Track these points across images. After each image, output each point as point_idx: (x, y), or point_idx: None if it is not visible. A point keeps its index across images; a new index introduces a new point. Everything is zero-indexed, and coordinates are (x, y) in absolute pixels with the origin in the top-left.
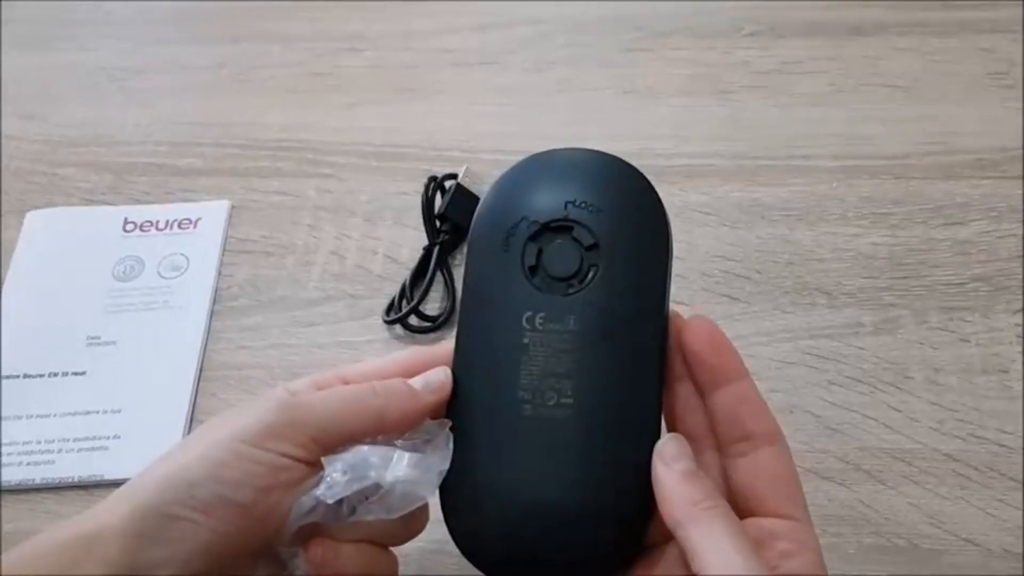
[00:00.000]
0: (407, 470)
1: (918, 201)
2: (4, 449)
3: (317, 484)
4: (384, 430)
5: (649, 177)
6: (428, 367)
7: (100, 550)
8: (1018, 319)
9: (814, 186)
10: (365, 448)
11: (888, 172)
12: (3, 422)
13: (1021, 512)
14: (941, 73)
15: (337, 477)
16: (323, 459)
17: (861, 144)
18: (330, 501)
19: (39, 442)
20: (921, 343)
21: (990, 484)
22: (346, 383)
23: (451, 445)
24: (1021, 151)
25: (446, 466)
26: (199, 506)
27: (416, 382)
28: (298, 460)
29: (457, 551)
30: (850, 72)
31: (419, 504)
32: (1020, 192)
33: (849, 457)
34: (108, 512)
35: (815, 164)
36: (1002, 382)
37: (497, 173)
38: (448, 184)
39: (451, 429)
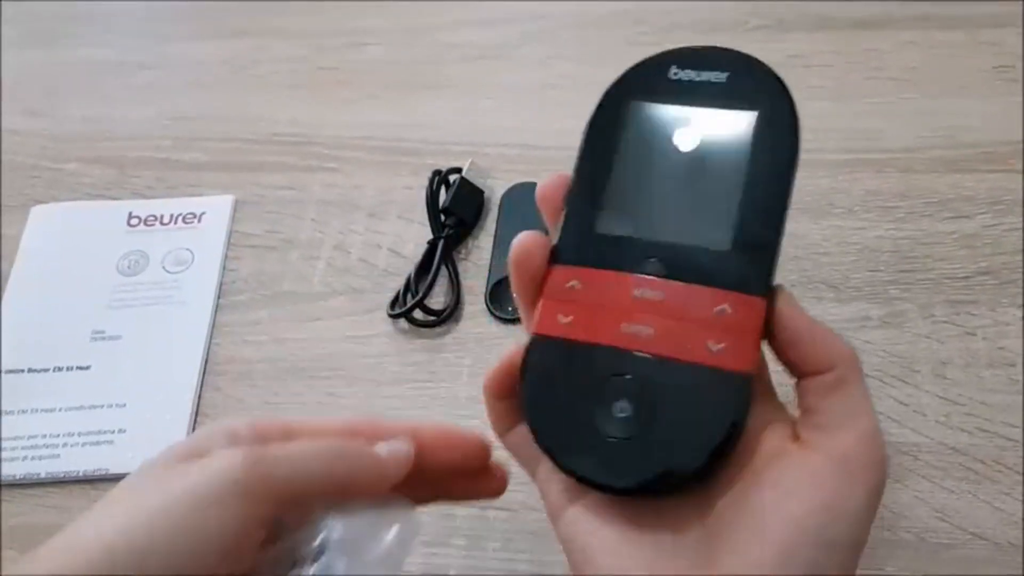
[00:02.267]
0: (385, 549)
1: (924, 195)
2: (9, 443)
3: (306, 561)
4: (345, 497)
5: None
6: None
7: None
8: None
9: (820, 180)
10: (342, 525)
11: (893, 166)
12: (9, 416)
13: None
14: (946, 67)
15: (334, 561)
16: (310, 528)
17: (866, 138)
18: None
19: (44, 436)
20: (928, 337)
21: (997, 478)
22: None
23: (417, 528)
24: None
25: (412, 547)
26: (163, 569)
27: (381, 450)
28: (261, 520)
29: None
30: (855, 66)
31: None
32: None
33: None
34: None
35: (821, 158)
36: (1009, 376)
37: (501, 167)
38: (452, 178)
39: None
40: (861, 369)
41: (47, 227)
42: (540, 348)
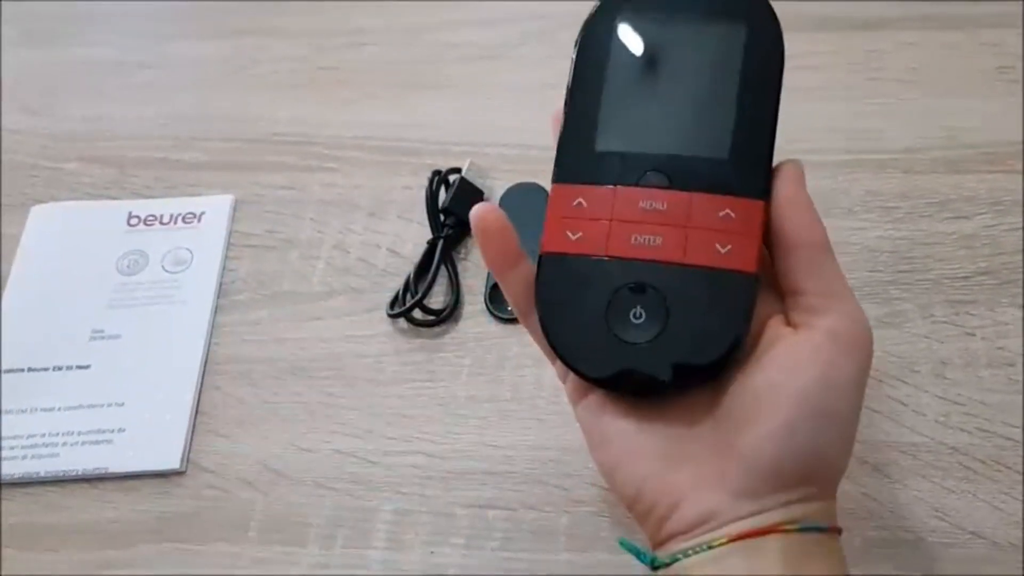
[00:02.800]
0: None
1: (924, 195)
2: (9, 443)
3: None
4: None
5: None
6: None
7: None
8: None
9: (820, 180)
10: None
11: (894, 166)
12: (8, 415)
13: None
14: (947, 67)
15: None
16: None
17: (867, 138)
18: None
19: (43, 435)
20: (927, 337)
21: (996, 477)
22: None
23: None
24: None
25: None
26: None
27: None
28: None
29: None
30: (856, 66)
31: None
32: None
33: (855, 451)
34: None
35: (821, 158)
36: (1008, 376)
37: (501, 167)
38: (452, 178)
39: None
40: (830, 248)
41: (47, 227)
42: (552, 264)
